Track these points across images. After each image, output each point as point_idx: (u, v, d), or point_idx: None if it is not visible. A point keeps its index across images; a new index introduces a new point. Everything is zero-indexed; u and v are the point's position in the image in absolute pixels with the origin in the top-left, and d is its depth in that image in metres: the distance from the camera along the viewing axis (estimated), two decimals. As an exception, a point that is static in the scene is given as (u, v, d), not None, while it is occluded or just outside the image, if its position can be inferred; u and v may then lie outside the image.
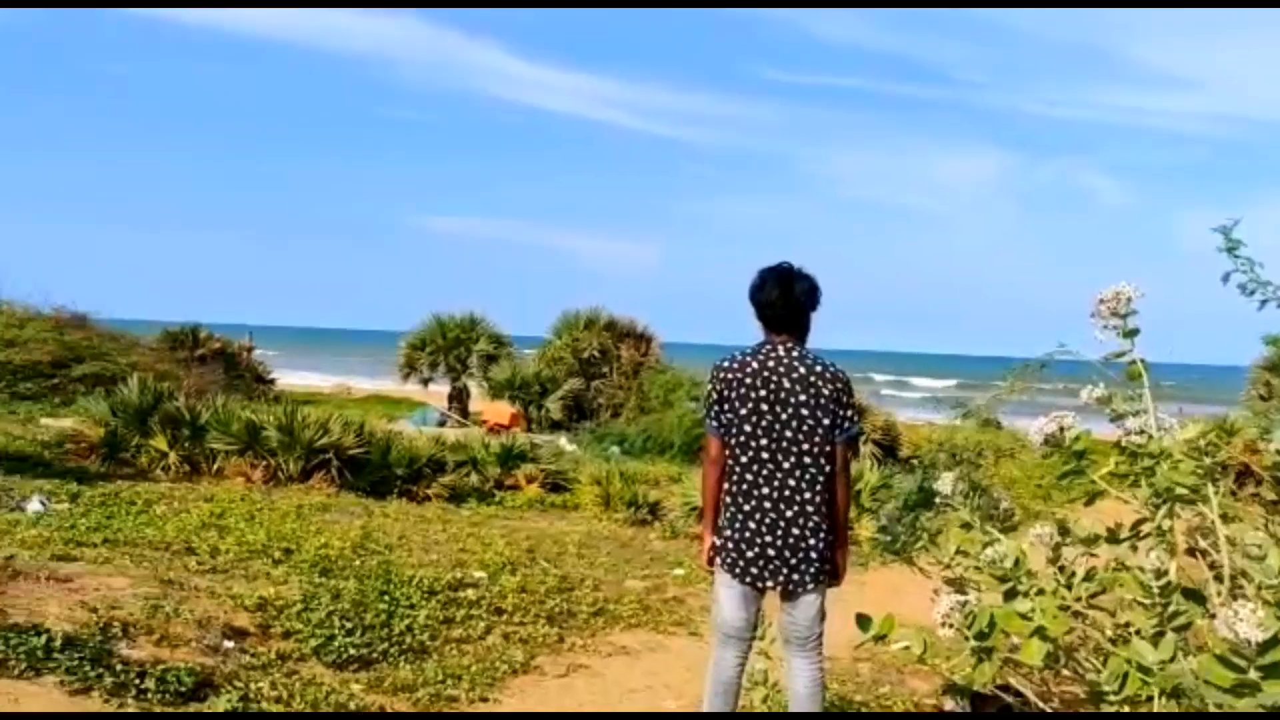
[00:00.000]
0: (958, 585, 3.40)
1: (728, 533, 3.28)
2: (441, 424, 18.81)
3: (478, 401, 19.39)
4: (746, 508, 3.23)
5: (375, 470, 10.88)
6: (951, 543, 3.16)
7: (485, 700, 4.73)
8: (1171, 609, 2.69)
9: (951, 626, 2.61)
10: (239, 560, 6.16)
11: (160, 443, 10.40)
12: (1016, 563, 2.75)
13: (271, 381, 23.83)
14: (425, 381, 20.17)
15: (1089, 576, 3.33)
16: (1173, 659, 2.54)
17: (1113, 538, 3.35)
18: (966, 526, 3.03)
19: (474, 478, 11.96)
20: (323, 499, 9.19)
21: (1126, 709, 2.66)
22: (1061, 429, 2.93)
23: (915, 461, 14.39)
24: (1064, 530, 3.51)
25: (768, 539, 3.20)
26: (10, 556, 5.12)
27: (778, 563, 3.21)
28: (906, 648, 6.91)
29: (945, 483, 3.00)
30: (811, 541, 3.21)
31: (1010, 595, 2.78)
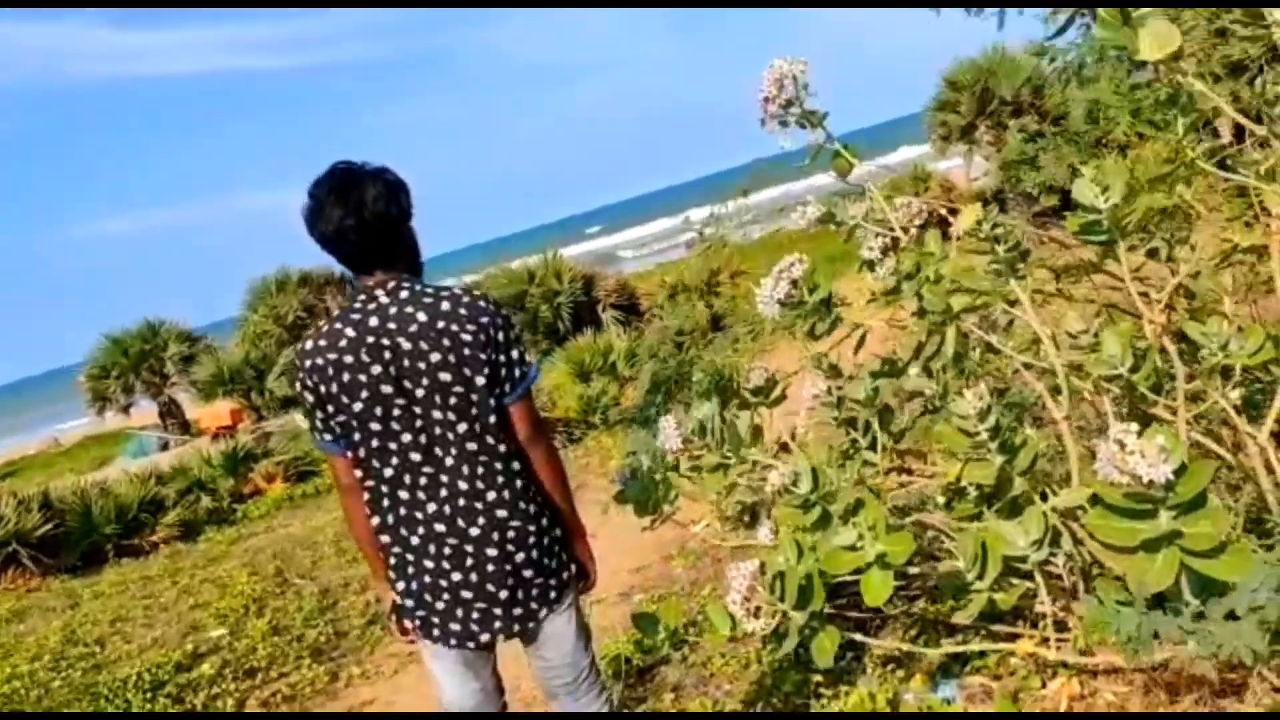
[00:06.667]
0: (743, 509, 2.72)
1: (401, 585, 2.28)
2: (165, 446, 16.75)
3: (193, 409, 17.34)
4: (414, 541, 2.21)
5: (80, 539, 9.20)
6: (709, 488, 2.35)
7: (248, 813, 3.72)
8: (1010, 454, 2.05)
9: (758, 612, 1.84)
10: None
11: None
12: (815, 478, 2.00)
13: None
14: (126, 409, 17.82)
15: (883, 422, 2.68)
16: (1047, 534, 1.91)
17: (894, 369, 2.69)
18: (721, 468, 2.22)
19: (205, 501, 10.45)
20: (14, 602, 7.57)
21: (999, 595, 2.04)
22: (795, 283, 2.16)
23: (658, 311, 13.93)
24: (834, 371, 2.82)
25: (456, 577, 2.20)
26: None
27: (484, 603, 2.22)
28: (707, 525, 6.13)
29: (667, 432, 2.15)
30: (521, 556, 2.23)
31: (823, 522, 2.05)
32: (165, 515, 9.76)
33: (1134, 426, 1.59)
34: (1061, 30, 1.59)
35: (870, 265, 2.04)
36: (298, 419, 14.98)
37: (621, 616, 4.53)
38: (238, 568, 7.15)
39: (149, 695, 4.77)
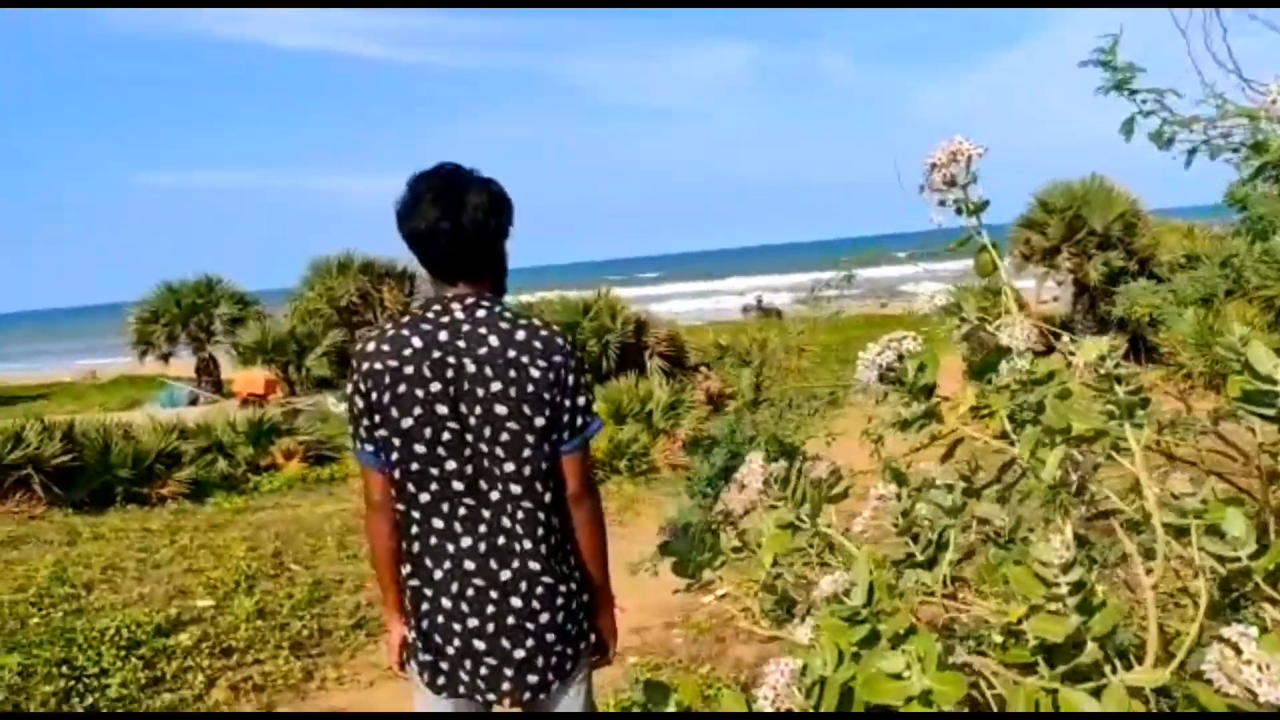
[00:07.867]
0: (785, 600, 2.56)
1: (411, 621, 2.12)
2: (194, 401, 16.82)
3: (230, 370, 17.42)
4: (438, 575, 2.04)
5: (93, 477, 9.19)
6: (767, 556, 2.22)
7: (192, 802, 3.56)
8: (1087, 615, 1.88)
9: (788, 715, 1.69)
10: None
11: None
12: (870, 593, 1.84)
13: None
14: (165, 357, 17.93)
15: (938, 535, 2.50)
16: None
17: (970, 488, 2.52)
18: (791, 527, 2.09)
19: (221, 464, 10.40)
20: (14, 527, 7.51)
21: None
22: (902, 357, 2.03)
23: (705, 369, 13.75)
24: (900, 478, 2.65)
25: (473, 623, 2.02)
26: None
27: (495, 659, 2.04)
28: (724, 596, 5.93)
29: (752, 469, 2.01)
30: (546, 617, 2.03)
31: (870, 641, 1.88)
32: (179, 470, 9.73)
33: (1253, 631, 1.39)
34: (1253, 178, 1.45)
35: (1007, 353, 1.87)
36: (329, 402, 14.96)
37: (610, 680, 4.33)
38: (238, 540, 7.04)
39: (122, 653, 4.64)
